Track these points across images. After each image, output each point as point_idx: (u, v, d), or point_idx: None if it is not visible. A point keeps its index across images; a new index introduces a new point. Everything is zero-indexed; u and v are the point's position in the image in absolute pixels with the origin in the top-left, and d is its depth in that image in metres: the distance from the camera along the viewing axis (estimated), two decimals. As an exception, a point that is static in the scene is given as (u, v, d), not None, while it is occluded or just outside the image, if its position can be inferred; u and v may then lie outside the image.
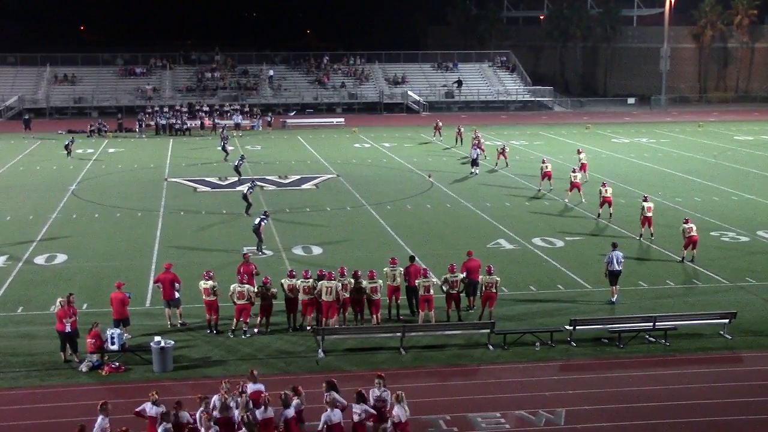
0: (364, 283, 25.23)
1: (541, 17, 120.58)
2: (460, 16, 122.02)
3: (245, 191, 40.08)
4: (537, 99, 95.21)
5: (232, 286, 24.64)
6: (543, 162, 46.75)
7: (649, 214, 35.26)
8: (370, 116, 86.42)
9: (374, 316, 25.24)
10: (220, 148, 57.22)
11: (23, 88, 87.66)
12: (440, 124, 68.25)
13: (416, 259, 28.21)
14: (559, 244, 34.91)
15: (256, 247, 33.22)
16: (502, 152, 53.26)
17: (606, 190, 38.94)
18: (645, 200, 36.15)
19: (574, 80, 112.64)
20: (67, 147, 58.11)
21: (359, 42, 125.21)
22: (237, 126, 72.72)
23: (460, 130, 64.17)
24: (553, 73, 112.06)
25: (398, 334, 23.83)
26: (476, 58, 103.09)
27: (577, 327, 24.26)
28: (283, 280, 25.34)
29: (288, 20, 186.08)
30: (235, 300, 24.45)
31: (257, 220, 33.48)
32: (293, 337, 24.62)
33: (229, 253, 32.99)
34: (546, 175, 45.69)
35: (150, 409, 17.37)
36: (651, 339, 24.51)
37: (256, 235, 33.36)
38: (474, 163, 51.16)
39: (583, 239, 35.55)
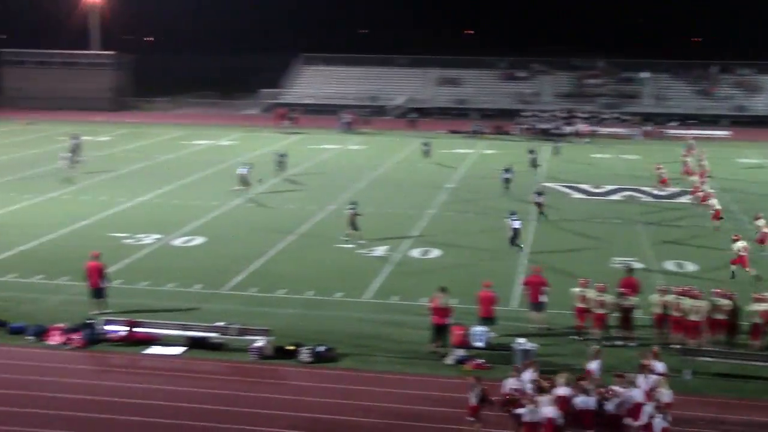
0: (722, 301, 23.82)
1: None
2: None
3: (244, 171, 44.34)
4: None
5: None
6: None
7: None
8: (760, 130, 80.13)
9: (754, 342, 23.45)
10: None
11: (411, 88, 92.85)
12: None
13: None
14: None
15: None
16: None
17: None
18: None
19: None
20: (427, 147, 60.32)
21: (752, 52, 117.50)
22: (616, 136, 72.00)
23: None
24: None
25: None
26: None
27: None
28: (651, 296, 24.67)
29: (673, 28, 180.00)
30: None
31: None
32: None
33: (600, 264, 32.51)
34: None
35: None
36: None
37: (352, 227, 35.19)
38: None
39: None
